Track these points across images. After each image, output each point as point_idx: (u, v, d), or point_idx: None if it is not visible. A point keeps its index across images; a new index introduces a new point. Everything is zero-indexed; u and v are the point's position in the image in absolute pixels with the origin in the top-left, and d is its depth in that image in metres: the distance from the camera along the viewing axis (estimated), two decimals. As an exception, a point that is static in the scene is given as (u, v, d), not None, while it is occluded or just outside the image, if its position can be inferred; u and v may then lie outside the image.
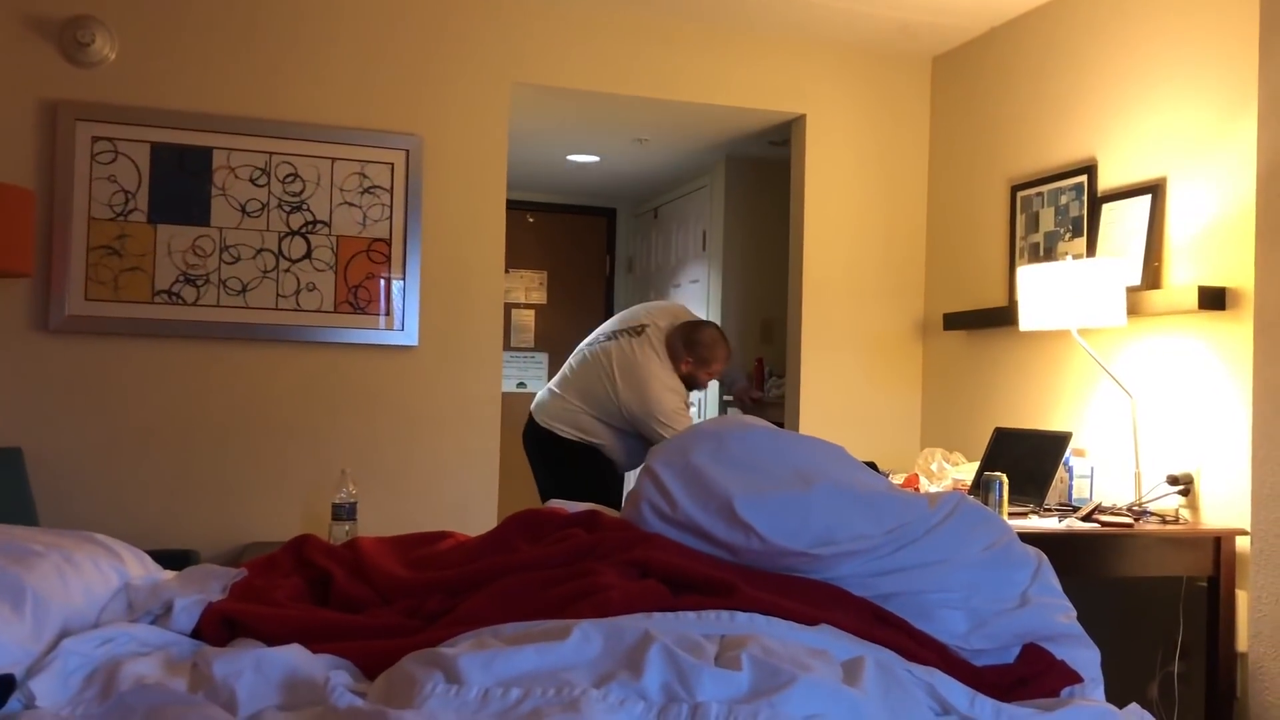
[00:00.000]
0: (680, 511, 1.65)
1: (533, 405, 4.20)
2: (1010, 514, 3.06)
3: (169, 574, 1.80)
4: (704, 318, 4.46)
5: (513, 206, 4.43)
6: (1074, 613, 1.66)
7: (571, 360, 4.21)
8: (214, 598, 1.62)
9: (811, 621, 1.44)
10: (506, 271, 4.13)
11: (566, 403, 4.06)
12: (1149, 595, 3.31)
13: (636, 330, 4.07)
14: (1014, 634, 1.61)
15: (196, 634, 1.59)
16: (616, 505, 4.00)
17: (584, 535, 1.65)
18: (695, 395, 5.44)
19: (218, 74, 3.68)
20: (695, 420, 4.22)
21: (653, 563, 1.53)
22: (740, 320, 5.42)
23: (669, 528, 1.67)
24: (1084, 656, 1.63)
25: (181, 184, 3.67)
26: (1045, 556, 1.71)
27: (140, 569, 1.77)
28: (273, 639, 1.49)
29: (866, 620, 1.51)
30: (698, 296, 5.64)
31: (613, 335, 4.10)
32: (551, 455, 4.07)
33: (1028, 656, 1.60)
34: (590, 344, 4.19)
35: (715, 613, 1.41)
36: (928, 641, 1.53)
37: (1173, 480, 3.17)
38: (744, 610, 1.42)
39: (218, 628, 1.58)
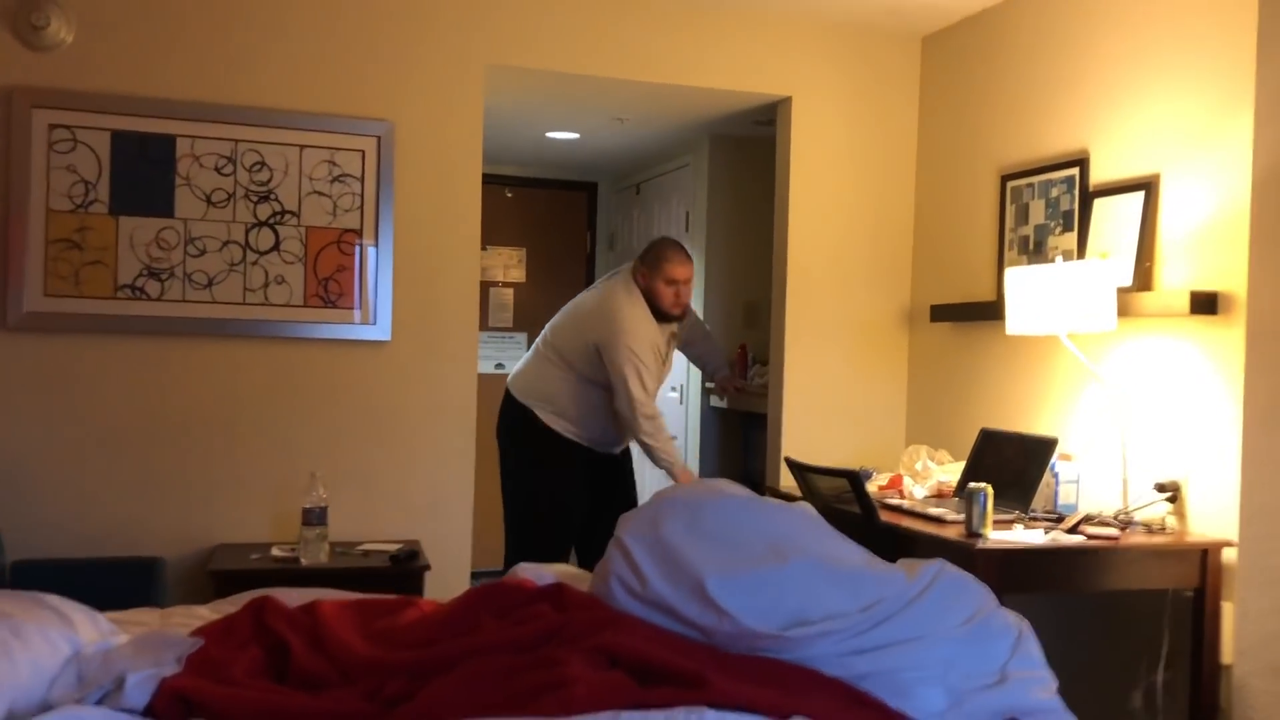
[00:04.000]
0: (650, 590, 1.58)
1: (509, 380, 4.06)
2: (995, 522, 3.00)
3: (122, 637, 1.71)
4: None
5: (490, 181, 4.32)
6: (1054, 685, 1.60)
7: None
8: (168, 671, 1.54)
9: (785, 712, 1.37)
10: (484, 249, 4.04)
11: (539, 359, 3.95)
12: (1134, 604, 3.26)
13: (611, 275, 4.09)
14: (992, 711, 1.56)
15: (150, 710, 1.51)
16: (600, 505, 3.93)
17: (551, 615, 1.57)
18: (679, 376, 5.34)
19: (180, 58, 3.54)
20: (661, 383, 3.96)
21: (621, 649, 1.46)
22: (724, 303, 5.33)
23: (639, 605, 1.60)
24: (1064, 730, 1.57)
25: (144, 173, 3.54)
26: (1027, 624, 1.64)
27: (93, 632, 1.68)
28: (229, 720, 1.42)
29: (841, 703, 1.44)
30: (680, 277, 5.53)
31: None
32: (523, 444, 3.94)
33: (1006, 733, 1.54)
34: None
35: (684, 710, 1.34)
36: (905, 722, 1.47)
37: (1160, 488, 3.11)
38: (714, 705, 1.35)
39: (172, 706, 1.49)
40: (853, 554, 1.65)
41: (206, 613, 2.07)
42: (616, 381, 3.74)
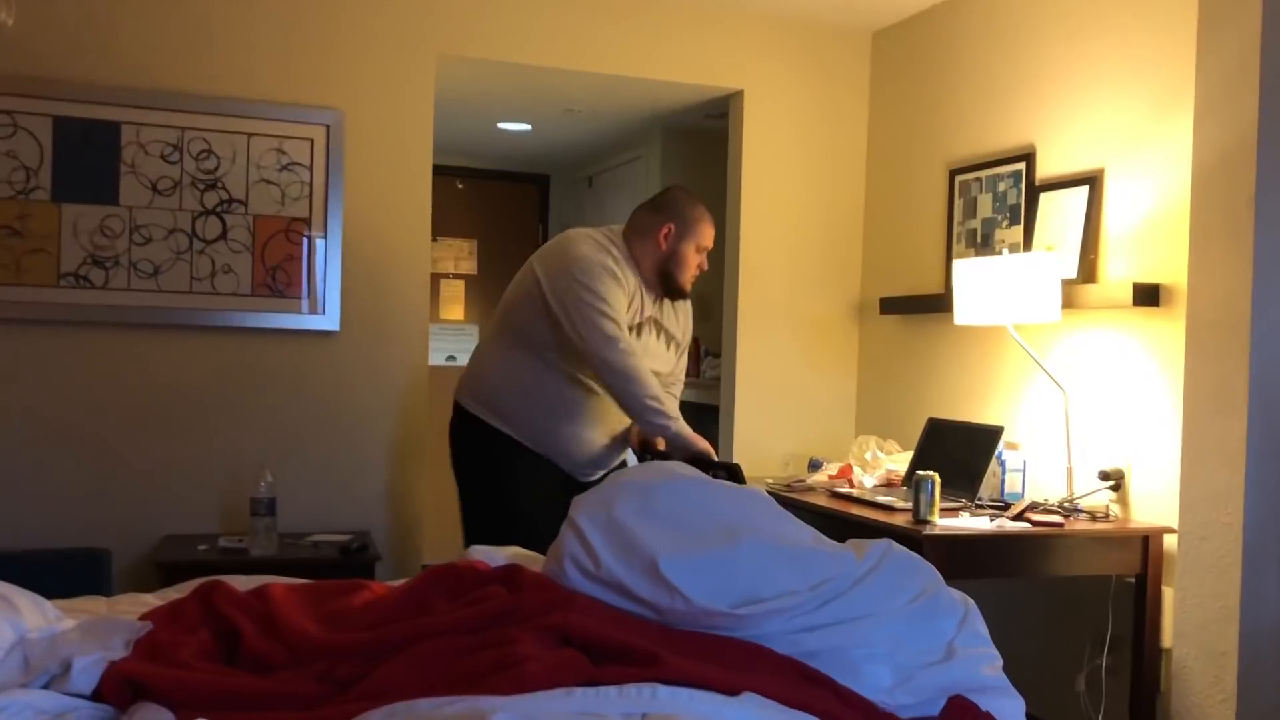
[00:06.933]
0: (604, 569, 1.59)
1: (456, 389, 3.15)
2: (942, 510, 3.04)
3: (68, 623, 1.68)
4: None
5: (441, 172, 4.29)
6: (1000, 662, 1.64)
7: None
8: (116, 655, 1.52)
9: (736, 689, 1.38)
10: (435, 240, 4.00)
11: (493, 343, 3.05)
12: (1080, 589, 3.33)
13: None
14: (939, 688, 1.58)
15: (97, 695, 1.49)
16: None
17: (504, 595, 1.58)
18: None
19: (126, 43, 3.48)
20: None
21: (573, 628, 1.47)
22: (675, 295, 5.33)
23: (592, 584, 1.61)
24: (1009, 707, 1.61)
25: (88, 160, 3.47)
26: (973, 603, 1.67)
27: (39, 618, 1.65)
28: (179, 704, 1.41)
29: (792, 680, 1.46)
30: (632, 269, 5.54)
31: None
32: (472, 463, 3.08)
33: (952, 710, 1.57)
34: None
35: (637, 687, 1.35)
36: (853, 700, 1.49)
37: (1104, 476, 3.17)
38: (666, 682, 1.36)
39: (120, 690, 1.48)
40: (802, 534, 1.67)
41: (154, 600, 2.04)
42: (572, 329, 2.75)
